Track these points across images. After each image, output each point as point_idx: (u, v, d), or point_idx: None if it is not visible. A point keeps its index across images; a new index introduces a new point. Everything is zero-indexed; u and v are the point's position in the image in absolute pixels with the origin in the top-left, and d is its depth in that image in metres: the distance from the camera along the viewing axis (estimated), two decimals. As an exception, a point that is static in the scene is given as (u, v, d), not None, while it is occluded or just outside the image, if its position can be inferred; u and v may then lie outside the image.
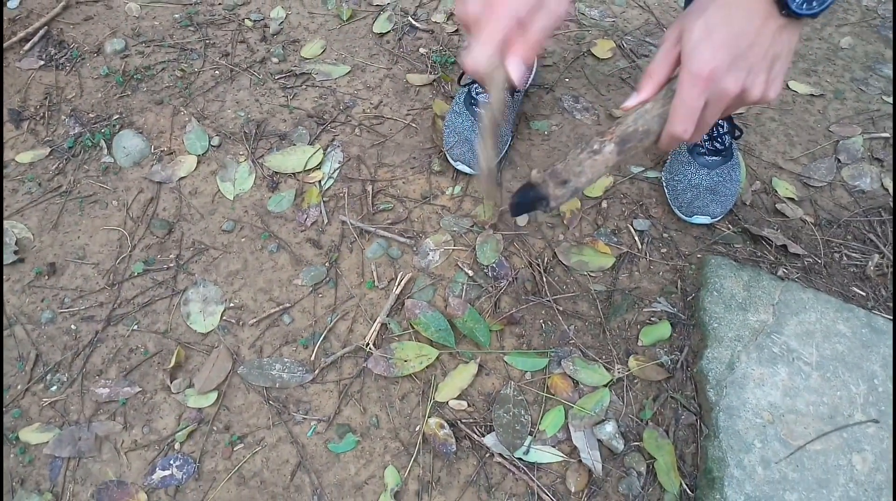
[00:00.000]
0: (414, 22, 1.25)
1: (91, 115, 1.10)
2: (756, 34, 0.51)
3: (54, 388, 0.83)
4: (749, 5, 0.51)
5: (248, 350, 0.86)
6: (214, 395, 0.82)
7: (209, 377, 0.83)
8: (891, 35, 1.28)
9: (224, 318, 0.88)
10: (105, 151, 1.05)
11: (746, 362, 0.81)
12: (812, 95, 1.15)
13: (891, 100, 1.15)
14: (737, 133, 0.96)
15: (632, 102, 0.58)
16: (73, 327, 0.87)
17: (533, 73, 1.12)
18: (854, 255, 0.93)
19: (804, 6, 0.50)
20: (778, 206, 0.99)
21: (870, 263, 0.91)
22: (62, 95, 1.12)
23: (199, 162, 1.04)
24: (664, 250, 0.94)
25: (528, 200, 0.62)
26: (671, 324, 0.86)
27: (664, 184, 1.00)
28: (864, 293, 0.89)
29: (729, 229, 0.96)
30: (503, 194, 0.99)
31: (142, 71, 1.16)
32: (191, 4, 1.28)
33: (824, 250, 0.93)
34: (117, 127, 1.08)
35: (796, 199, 1.00)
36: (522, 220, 0.97)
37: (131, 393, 0.83)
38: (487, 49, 0.53)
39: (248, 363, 0.84)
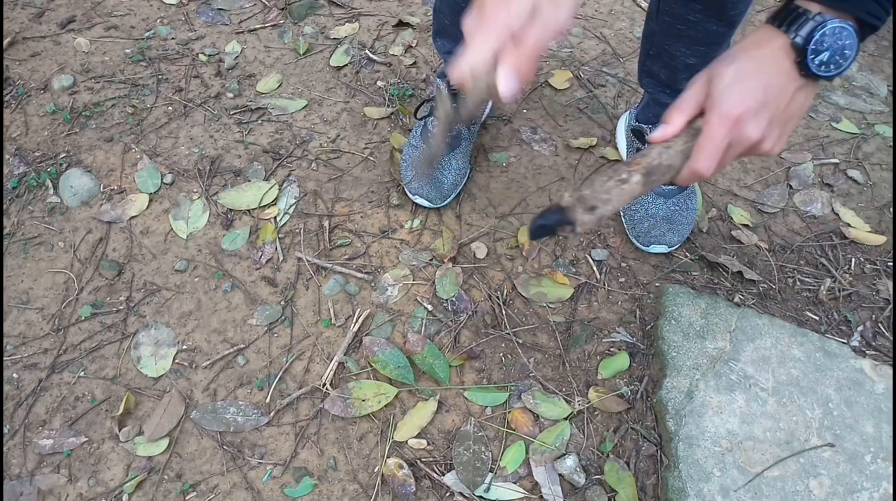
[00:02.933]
0: (371, 55, 1.31)
1: (37, 153, 1.12)
2: (781, 89, 0.56)
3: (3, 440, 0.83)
4: (776, 61, 0.56)
5: (201, 394, 0.87)
6: (165, 442, 0.83)
7: (160, 423, 0.84)
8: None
9: (176, 361, 0.90)
10: (51, 191, 1.07)
11: (705, 390, 0.86)
12: (764, 122, 1.23)
13: (839, 126, 1.24)
14: (691, 162, 1.03)
15: (659, 133, 0.61)
16: (14, 375, 0.88)
17: (489, 105, 1.18)
18: (807, 280, 0.99)
19: (822, 69, 0.55)
20: (734, 232, 1.05)
21: (822, 287, 0.98)
22: (6, 134, 1.14)
23: (150, 200, 1.06)
24: (622, 280, 0.99)
25: (553, 222, 0.62)
26: (630, 354, 0.91)
27: (621, 214, 1.05)
28: (816, 317, 0.95)
29: (686, 256, 1.02)
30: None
31: (91, 107, 1.18)
32: (143, 39, 1.31)
33: (778, 276, 1.00)
34: (64, 166, 1.10)
35: (751, 225, 1.07)
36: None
37: (77, 444, 0.83)
38: (478, 56, 0.52)
39: (201, 407, 0.86)
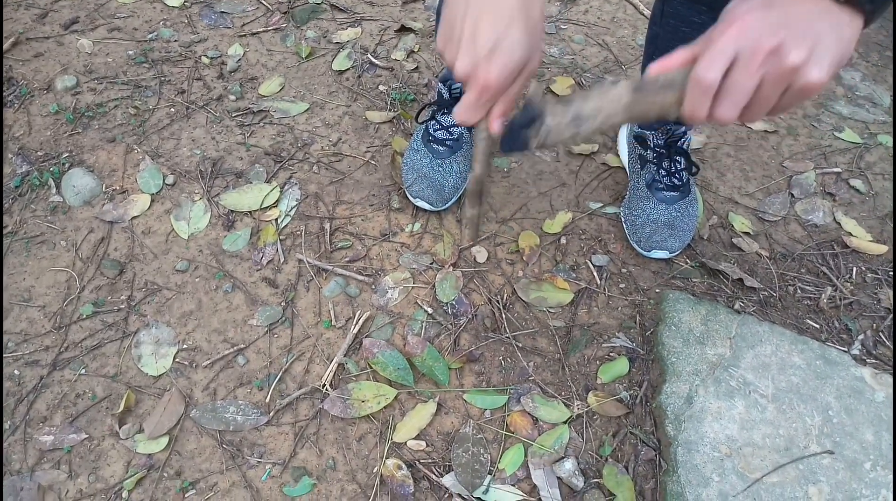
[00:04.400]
0: (373, 59, 1.35)
1: (39, 153, 1.15)
2: (792, 2, 0.51)
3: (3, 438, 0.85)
4: None
5: (201, 393, 0.90)
6: (165, 440, 0.85)
7: (160, 421, 0.87)
8: (841, 73, 1.42)
9: (177, 360, 0.92)
10: (54, 190, 1.10)
11: (704, 396, 0.88)
12: (766, 131, 1.27)
13: (842, 136, 1.27)
14: (694, 169, 1.06)
15: (657, 65, 0.57)
16: (16, 372, 0.90)
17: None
18: (808, 288, 1.02)
19: None
20: (734, 240, 1.08)
21: (823, 295, 1.00)
22: (9, 133, 1.17)
23: (152, 201, 1.09)
24: (623, 286, 1.02)
25: (523, 121, 0.58)
26: (630, 359, 0.93)
27: (623, 219, 1.08)
28: (817, 326, 0.97)
29: (687, 263, 1.05)
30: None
31: (93, 108, 1.22)
32: (146, 41, 1.35)
33: (779, 284, 1.02)
34: (67, 166, 1.13)
35: (752, 233, 1.09)
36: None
37: (77, 440, 0.85)
38: (477, 113, 0.60)
39: (201, 406, 0.88)
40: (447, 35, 0.59)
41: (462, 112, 0.60)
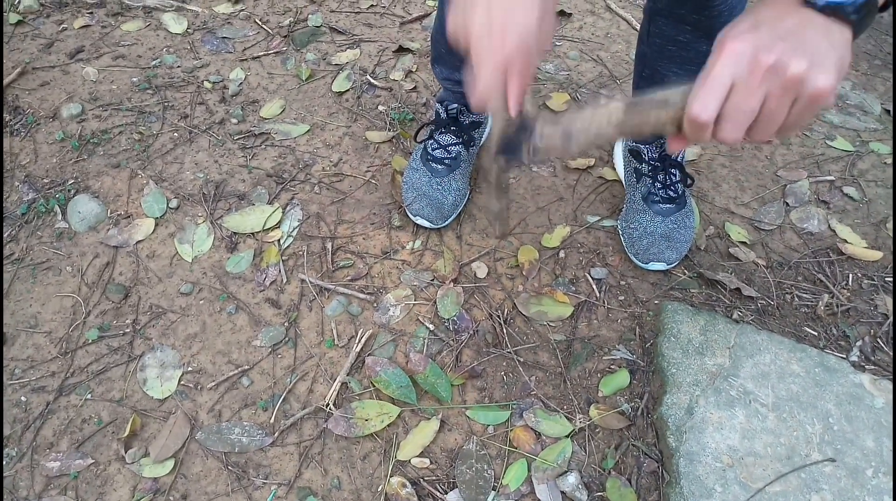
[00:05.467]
0: (372, 80, 1.35)
1: (45, 180, 1.15)
2: (781, 17, 0.51)
3: (3, 463, 0.85)
4: (773, 2, 0.53)
5: (206, 415, 0.89)
6: (171, 463, 0.85)
7: (166, 444, 0.86)
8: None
9: (182, 383, 0.92)
10: (59, 217, 1.10)
11: (705, 406, 0.88)
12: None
13: (834, 144, 1.27)
14: (689, 181, 1.06)
15: None
16: (23, 398, 0.90)
17: (489, 128, 1.21)
18: (805, 296, 1.01)
19: None
20: (731, 250, 1.07)
21: (820, 303, 1.00)
22: (16, 161, 1.18)
23: (156, 225, 1.09)
24: (622, 298, 1.01)
25: (516, 136, 0.59)
26: (631, 371, 0.93)
27: (620, 232, 1.08)
28: (815, 333, 0.97)
29: (685, 274, 1.04)
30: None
31: (98, 135, 1.23)
32: (149, 68, 1.36)
33: (776, 292, 1.02)
34: (72, 192, 1.13)
35: (748, 242, 1.09)
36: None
37: (83, 466, 0.85)
38: (492, 87, 0.58)
39: (206, 428, 0.88)
40: (460, 15, 0.59)
41: (478, 92, 0.59)
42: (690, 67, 0.91)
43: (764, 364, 0.91)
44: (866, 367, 0.92)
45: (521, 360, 0.94)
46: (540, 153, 0.59)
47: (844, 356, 0.94)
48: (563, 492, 0.82)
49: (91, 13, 1.48)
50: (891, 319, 0.98)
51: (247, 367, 0.93)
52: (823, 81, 0.49)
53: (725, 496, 0.80)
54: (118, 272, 1.04)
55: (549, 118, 0.58)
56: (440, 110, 1.10)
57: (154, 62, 1.37)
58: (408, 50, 1.43)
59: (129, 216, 1.10)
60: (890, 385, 0.89)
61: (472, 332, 0.97)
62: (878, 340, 0.96)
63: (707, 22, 0.85)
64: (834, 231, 1.11)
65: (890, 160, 1.24)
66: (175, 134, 1.24)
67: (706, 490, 0.80)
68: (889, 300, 1.00)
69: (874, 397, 0.88)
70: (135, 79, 1.34)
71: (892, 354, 0.94)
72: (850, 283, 1.03)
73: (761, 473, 0.82)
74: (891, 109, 1.35)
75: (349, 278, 1.03)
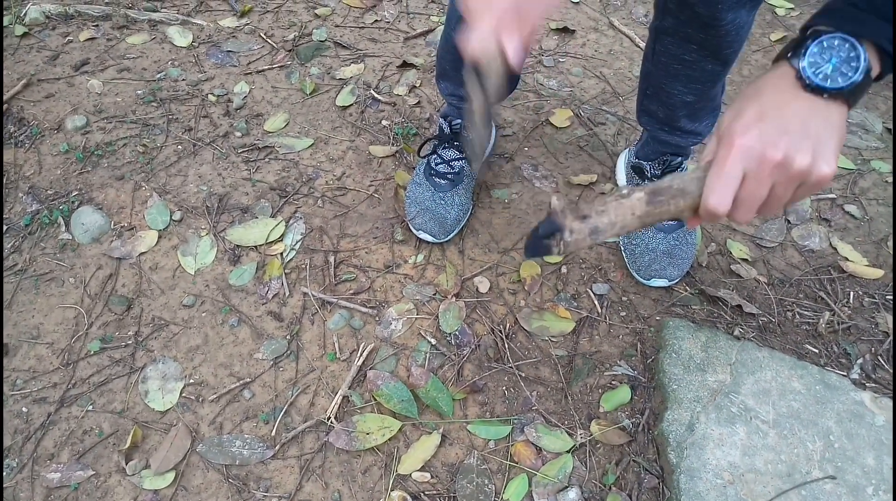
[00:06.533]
0: (376, 95, 1.39)
1: (49, 192, 1.18)
2: (784, 105, 0.56)
3: (3, 474, 0.87)
4: (774, 83, 0.58)
5: (207, 427, 0.91)
6: (172, 475, 0.87)
7: (167, 456, 0.88)
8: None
9: (183, 395, 0.94)
10: (63, 228, 1.13)
11: (706, 422, 0.90)
12: (762, 158, 1.30)
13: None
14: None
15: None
16: (24, 409, 0.92)
17: (493, 142, 1.25)
18: (806, 313, 1.04)
19: (827, 81, 0.55)
20: (733, 267, 1.10)
21: (821, 320, 1.02)
22: (20, 173, 1.21)
23: (160, 237, 1.12)
24: (623, 314, 1.04)
25: (543, 232, 0.61)
26: (632, 387, 0.95)
27: (622, 248, 1.11)
28: (816, 350, 0.99)
29: (686, 290, 1.07)
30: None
31: (103, 147, 1.26)
32: (154, 80, 1.40)
33: (778, 309, 1.04)
34: (76, 203, 1.16)
35: (750, 260, 1.12)
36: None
37: (84, 477, 0.87)
38: (486, 35, 0.61)
39: (207, 440, 0.90)
40: None
41: (473, 43, 0.61)
42: (695, 85, 0.94)
43: (765, 381, 0.94)
44: (867, 385, 0.95)
45: (523, 375, 0.96)
46: (570, 248, 0.63)
47: (845, 373, 0.96)
48: (563, 508, 0.84)
49: (97, 26, 1.52)
50: (891, 337, 1.00)
51: (248, 380, 0.95)
52: (826, 169, 0.55)
53: (726, 512, 0.82)
54: (121, 284, 1.06)
55: (575, 212, 0.61)
56: (444, 125, 1.13)
57: (159, 75, 1.41)
58: (412, 65, 1.47)
59: (132, 228, 1.13)
60: (891, 403, 0.91)
61: (473, 346, 0.99)
62: (879, 357, 0.98)
63: (713, 41, 0.87)
64: (835, 249, 1.13)
65: (891, 179, 1.27)
66: (179, 147, 1.27)
67: (707, 507, 0.82)
68: (890, 318, 1.02)
69: (875, 414, 0.90)
70: (139, 91, 1.37)
71: (893, 372, 0.96)
72: (851, 301, 1.06)
73: (762, 490, 0.84)
74: (892, 127, 1.39)
75: (351, 291, 1.06)
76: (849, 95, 0.56)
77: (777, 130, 0.55)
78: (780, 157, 0.55)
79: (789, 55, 0.58)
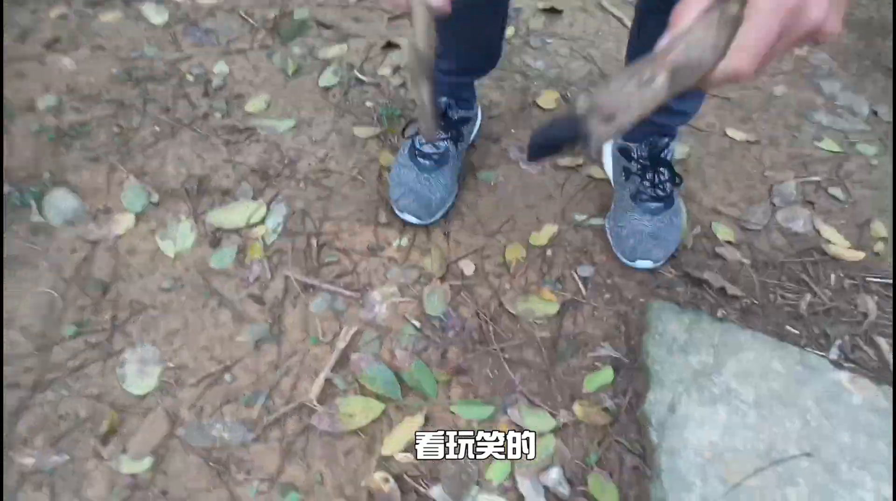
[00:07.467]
0: (360, 76, 1.39)
1: (21, 174, 1.18)
2: None
3: (3, 470, 0.87)
4: None
5: (187, 411, 0.92)
6: (150, 459, 0.88)
7: (145, 440, 0.89)
8: (821, 83, 1.48)
9: (162, 379, 0.95)
10: (35, 211, 1.12)
11: (688, 403, 0.92)
12: (748, 141, 1.32)
13: (822, 145, 1.33)
14: (678, 180, 1.11)
15: (667, 39, 0.56)
16: (-1, 394, 0.93)
17: (478, 124, 1.26)
18: (788, 295, 1.07)
19: None
20: (717, 249, 1.12)
21: (802, 302, 1.05)
22: (-9, 154, 1.20)
23: (137, 220, 1.12)
24: (608, 296, 1.06)
25: (563, 136, 0.56)
26: (615, 369, 0.97)
27: (608, 231, 1.13)
28: (797, 332, 1.02)
29: (671, 273, 1.09)
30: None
31: (76, 127, 1.25)
32: (129, 59, 1.39)
33: (761, 291, 1.07)
34: (49, 186, 1.16)
35: (734, 242, 1.14)
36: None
37: (59, 462, 0.88)
38: None
39: (187, 424, 0.91)
40: None
41: None
42: None
43: (747, 362, 0.96)
44: (845, 365, 0.98)
45: (507, 357, 0.98)
46: (589, 150, 0.59)
47: (824, 354, 0.99)
48: (545, 487, 0.86)
49: (68, 2, 1.50)
50: (893, 321, 1.03)
51: (230, 363, 0.96)
52: (832, 27, 0.51)
53: (705, 490, 0.84)
54: (97, 268, 1.06)
55: (602, 112, 0.56)
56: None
57: (134, 54, 1.40)
58: (396, 46, 1.47)
59: (108, 211, 1.13)
60: (868, 382, 0.94)
61: (458, 329, 1.01)
62: (858, 338, 1.01)
63: None
64: (818, 232, 1.16)
65: (876, 162, 1.30)
66: (156, 128, 1.27)
67: (686, 485, 0.85)
68: (869, 300, 1.05)
69: (852, 394, 0.93)
70: (114, 70, 1.36)
71: (893, 365, 0.98)
72: (832, 283, 1.09)
73: (740, 468, 0.86)
74: (878, 110, 1.42)
75: (335, 274, 1.07)
76: None
77: None
78: (818, 17, 0.50)
79: None
